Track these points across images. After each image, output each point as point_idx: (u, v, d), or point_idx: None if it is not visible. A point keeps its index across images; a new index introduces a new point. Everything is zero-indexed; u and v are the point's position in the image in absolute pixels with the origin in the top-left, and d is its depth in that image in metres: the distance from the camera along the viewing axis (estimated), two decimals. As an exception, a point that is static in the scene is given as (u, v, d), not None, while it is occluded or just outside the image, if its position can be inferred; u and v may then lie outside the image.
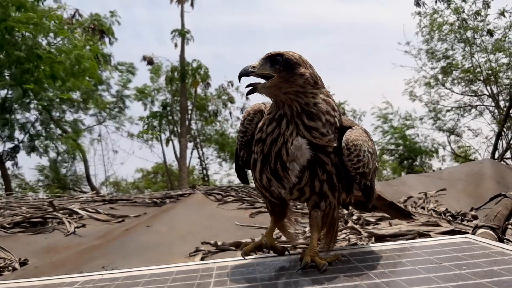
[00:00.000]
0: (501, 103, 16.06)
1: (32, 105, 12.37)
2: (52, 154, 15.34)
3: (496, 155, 15.16)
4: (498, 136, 15.50)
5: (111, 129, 20.09)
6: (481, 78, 15.96)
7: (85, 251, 3.78)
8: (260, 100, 1.64)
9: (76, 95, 14.64)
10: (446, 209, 4.35)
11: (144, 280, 1.59)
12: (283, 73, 1.52)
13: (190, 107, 22.81)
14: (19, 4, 10.30)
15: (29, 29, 10.25)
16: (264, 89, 1.54)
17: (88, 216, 5.14)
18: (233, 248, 3.27)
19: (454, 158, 18.85)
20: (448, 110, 17.70)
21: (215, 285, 1.45)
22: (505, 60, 15.52)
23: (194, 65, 21.33)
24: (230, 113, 23.40)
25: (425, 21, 16.41)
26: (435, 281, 1.26)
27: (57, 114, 14.37)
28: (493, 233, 2.39)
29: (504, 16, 14.65)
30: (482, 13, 15.14)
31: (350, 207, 2.13)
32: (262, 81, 1.55)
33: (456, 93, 17.14)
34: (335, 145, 1.54)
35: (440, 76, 16.98)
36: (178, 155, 21.81)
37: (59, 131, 14.67)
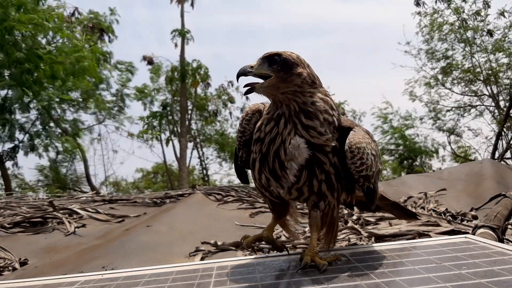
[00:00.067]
0: (501, 103, 16.09)
1: (32, 105, 12.38)
2: (52, 154, 15.36)
3: (496, 155, 15.17)
4: (498, 136, 15.51)
5: (110, 129, 20.11)
6: (481, 78, 15.97)
7: (85, 251, 3.78)
8: (259, 100, 1.65)
9: (75, 94, 14.65)
10: (446, 209, 4.35)
11: (144, 280, 1.59)
12: (281, 73, 1.52)
13: (190, 107, 22.82)
14: (19, 4, 10.30)
15: (30, 29, 10.25)
16: (262, 89, 1.55)
17: (88, 216, 5.15)
18: (233, 248, 3.27)
19: (454, 158, 18.87)
20: (448, 110, 17.74)
21: (215, 285, 1.45)
22: (505, 60, 15.55)
23: (194, 65, 21.37)
24: (230, 113, 23.46)
25: (425, 21, 16.45)
26: (435, 281, 1.26)
27: (57, 113, 14.37)
28: (493, 233, 2.39)
29: (504, 16, 14.67)
30: (482, 13, 15.16)
31: (355, 208, 2.12)
32: (260, 81, 1.55)
33: (456, 93, 17.18)
34: (333, 144, 1.54)
35: (440, 76, 17.00)
36: (178, 155, 21.83)
37: (58, 131, 14.67)
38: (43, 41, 11.59)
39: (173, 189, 12.56)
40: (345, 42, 44.01)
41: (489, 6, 14.94)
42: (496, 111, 16.37)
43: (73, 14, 16.10)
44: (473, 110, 17.28)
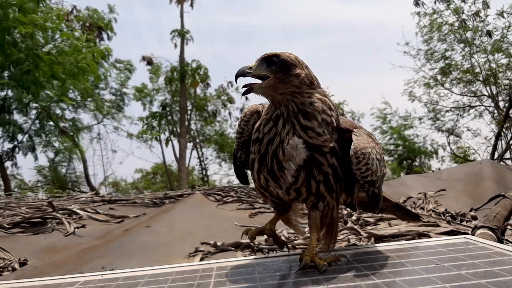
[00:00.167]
0: (501, 104, 16.10)
1: (31, 105, 12.37)
2: (51, 155, 15.35)
3: (496, 155, 15.17)
4: (498, 136, 15.52)
5: (110, 129, 20.11)
6: (481, 79, 15.98)
7: (84, 251, 3.78)
8: (259, 100, 1.65)
9: (74, 94, 14.62)
10: (446, 209, 4.36)
11: (144, 281, 1.59)
12: (279, 74, 1.53)
13: (189, 108, 22.81)
14: (20, 5, 10.30)
15: (30, 29, 10.24)
16: (260, 89, 1.55)
17: (87, 217, 5.15)
18: (233, 248, 3.27)
19: (454, 159, 18.88)
20: (447, 111, 17.75)
21: (214, 286, 1.45)
22: (504, 61, 15.57)
23: (194, 65, 21.36)
24: (230, 113, 23.47)
25: (424, 21, 16.46)
26: (435, 282, 1.26)
27: (56, 112, 14.35)
28: (492, 234, 2.39)
29: (503, 17, 14.68)
30: (482, 14, 15.18)
31: (358, 209, 2.12)
32: (259, 81, 1.56)
33: (456, 93, 17.20)
34: (331, 145, 1.54)
35: (439, 77, 17.01)
36: (178, 155, 21.81)
37: (58, 130, 14.66)
38: (43, 41, 11.57)
39: (173, 190, 12.55)
40: (345, 42, 44.10)
41: (488, 7, 14.97)
42: (495, 111, 16.40)
43: (71, 11, 16.06)
44: (472, 110, 17.32)
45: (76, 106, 15.60)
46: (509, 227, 3.16)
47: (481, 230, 2.44)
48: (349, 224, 3.58)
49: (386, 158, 19.44)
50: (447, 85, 17.07)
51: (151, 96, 22.16)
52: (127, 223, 4.97)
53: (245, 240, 3.27)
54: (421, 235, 2.98)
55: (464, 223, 3.68)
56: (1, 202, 6.07)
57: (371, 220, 3.73)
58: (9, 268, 3.33)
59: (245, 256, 2.98)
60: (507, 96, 15.57)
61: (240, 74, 1.57)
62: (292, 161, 1.52)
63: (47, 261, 3.56)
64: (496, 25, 15.14)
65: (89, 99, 16.42)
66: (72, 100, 14.20)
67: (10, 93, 11.41)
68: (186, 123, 22.42)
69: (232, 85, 22.34)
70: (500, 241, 2.48)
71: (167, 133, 22.58)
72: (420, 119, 18.62)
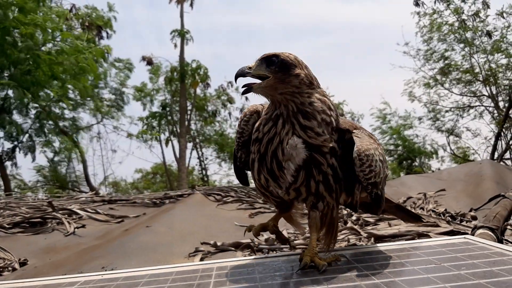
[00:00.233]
0: (500, 104, 16.11)
1: (31, 105, 12.38)
2: (50, 155, 15.35)
3: (496, 155, 15.18)
4: (497, 136, 15.53)
5: (109, 128, 20.10)
6: (481, 79, 15.99)
7: (84, 251, 3.78)
8: (259, 100, 1.65)
9: (74, 94, 14.63)
10: (445, 209, 4.36)
11: (144, 281, 1.59)
12: (279, 74, 1.53)
13: (189, 108, 22.81)
14: (20, 5, 10.30)
15: (31, 29, 10.24)
16: (260, 88, 1.55)
17: (87, 217, 5.15)
18: (233, 248, 3.27)
19: (453, 159, 18.88)
20: (447, 111, 17.76)
21: (214, 286, 1.45)
22: (504, 61, 15.57)
23: (194, 65, 21.35)
24: (230, 113, 23.45)
25: (424, 21, 16.47)
26: (434, 282, 1.26)
27: (56, 111, 14.35)
28: (492, 234, 2.39)
29: (503, 17, 14.69)
30: (482, 14, 15.19)
31: (359, 210, 2.12)
32: (258, 81, 1.56)
33: (455, 93, 17.21)
34: (331, 145, 1.54)
35: (439, 77, 17.01)
36: (178, 155, 21.80)
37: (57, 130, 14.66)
38: (43, 41, 11.58)
39: (173, 190, 12.55)
40: (345, 42, 44.09)
41: (488, 7, 14.98)
42: (495, 111, 16.41)
43: (70, 10, 16.05)
44: (472, 110, 17.33)
45: (75, 105, 15.59)
46: (508, 227, 3.17)
47: (480, 230, 2.44)
48: (349, 224, 3.59)
49: (386, 158, 19.42)
50: (447, 85, 17.10)
51: (151, 95, 22.15)
52: (127, 223, 4.98)
53: (245, 240, 3.27)
54: (421, 235, 2.98)
55: (464, 223, 3.68)
56: (1, 202, 6.07)
57: (371, 220, 3.73)
58: (9, 268, 3.33)
59: (245, 256, 2.98)
60: (507, 96, 15.58)
61: (240, 74, 1.57)
62: (291, 161, 1.52)
63: (47, 261, 3.56)
64: (496, 25, 15.17)
65: (88, 98, 16.40)
66: (71, 99, 14.21)
67: (10, 93, 11.42)
68: (186, 123, 22.41)
69: (232, 85, 22.34)
70: (500, 241, 2.48)
71: (167, 133, 22.59)
72: (419, 119, 18.66)
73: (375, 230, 3.29)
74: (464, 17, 15.45)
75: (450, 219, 3.82)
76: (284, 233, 3.41)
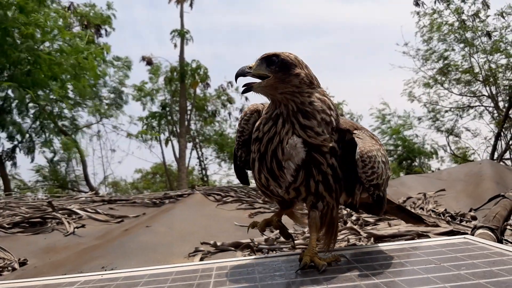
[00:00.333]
0: (500, 104, 16.12)
1: (30, 105, 12.38)
2: (49, 155, 15.33)
3: (495, 155, 15.19)
4: (497, 136, 15.54)
5: (109, 128, 20.08)
6: (480, 79, 15.99)
7: (84, 251, 3.78)
8: (259, 100, 1.65)
9: (74, 94, 14.62)
10: (445, 209, 4.37)
11: (144, 280, 1.59)
12: (279, 74, 1.53)
13: (189, 108, 22.82)
14: (20, 6, 10.30)
15: (32, 30, 10.24)
16: (260, 88, 1.56)
17: (87, 216, 5.15)
18: (233, 248, 3.27)
19: (453, 159, 18.89)
20: (447, 111, 17.76)
21: (214, 285, 1.45)
22: (504, 61, 15.58)
23: (194, 65, 21.36)
24: (229, 113, 23.46)
25: (424, 21, 16.48)
26: (434, 282, 1.26)
27: (55, 110, 14.33)
28: (492, 234, 2.39)
29: (503, 17, 14.69)
30: (482, 14, 15.20)
31: (359, 210, 2.12)
32: (259, 81, 1.56)
33: (455, 93, 17.21)
34: (331, 145, 1.54)
35: (438, 77, 17.02)
36: (177, 155, 21.82)
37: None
38: (42, 41, 11.57)
39: (172, 190, 12.55)
40: (345, 42, 44.12)
41: (488, 7, 14.98)
42: (495, 111, 16.41)
43: (68, 8, 16.02)
44: (472, 110, 17.34)
45: (74, 104, 15.57)
46: (508, 227, 3.17)
47: (480, 230, 2.45)
48: (349, 224, 3.59)
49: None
50: (446, 85, 17.11)
51: (151, 95, 22.13)
52: (127, 223, 4.98)
53: (245, 240, 3.27)
54: (421, 235, 2.98)
55: (463, 223, 3.68)
56: (1, 202, 6.07)
57: (371, 220, 3.74)
58: (9, 268, 3.33)
59: (245, 256, 2.98)
60: (507, 96, 15.59)
61: (240, 73, 1.57)
62: (291, 161, 1.52)
63: (47, 261, 3.56)
64: (496, 25, 15.18)
65: (87, 98, 16.37)
66: (70, 99, 14.20)
67: (10, 93, 11.41)
68: (186, 123, 22.42)
69: (232, 85, 22.37)
70: (500, 241, 2.49)
71: (166, 133, 22.60)
72: (419, 119, 18.66)
73: (375, 230, 3.29)
74: (464, 17, 15.47)
75: (450, 219, 3.82)
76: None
